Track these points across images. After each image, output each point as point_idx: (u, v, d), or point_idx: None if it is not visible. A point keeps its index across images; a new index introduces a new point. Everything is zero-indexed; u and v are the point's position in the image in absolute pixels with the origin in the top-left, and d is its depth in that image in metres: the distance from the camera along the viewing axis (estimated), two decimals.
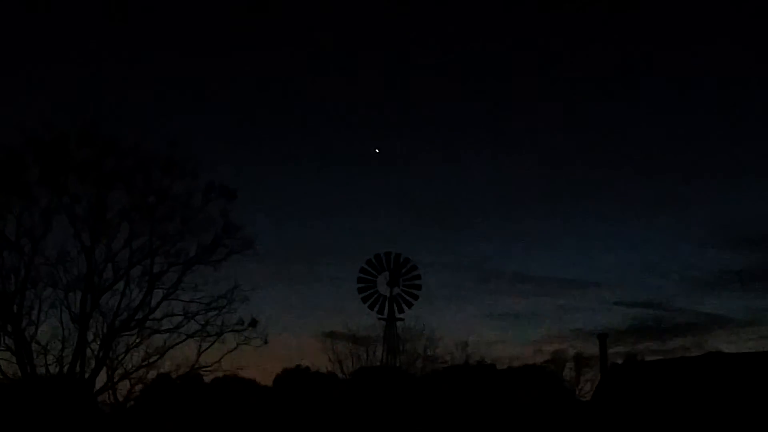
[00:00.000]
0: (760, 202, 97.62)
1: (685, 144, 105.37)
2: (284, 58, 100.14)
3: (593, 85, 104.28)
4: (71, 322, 33.46)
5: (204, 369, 36.35)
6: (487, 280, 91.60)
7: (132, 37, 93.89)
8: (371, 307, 66.75)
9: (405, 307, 67.02)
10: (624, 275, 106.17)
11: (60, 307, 33.51)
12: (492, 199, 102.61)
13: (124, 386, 35.01)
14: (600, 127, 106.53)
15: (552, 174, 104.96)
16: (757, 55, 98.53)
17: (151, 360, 34.75)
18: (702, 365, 41.33)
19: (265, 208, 78.27)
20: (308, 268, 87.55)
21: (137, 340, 34.61)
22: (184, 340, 35.17)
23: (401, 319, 65.54)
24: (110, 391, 34.94)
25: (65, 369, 33.24)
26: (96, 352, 33.80)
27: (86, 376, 33.71)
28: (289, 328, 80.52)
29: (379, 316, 66.22)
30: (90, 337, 33.66)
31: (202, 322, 35.14)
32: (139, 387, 35.76)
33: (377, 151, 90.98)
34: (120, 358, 34.41)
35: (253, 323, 35.82)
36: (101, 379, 34.33)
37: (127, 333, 34.50)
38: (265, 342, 36.12)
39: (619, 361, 62.66)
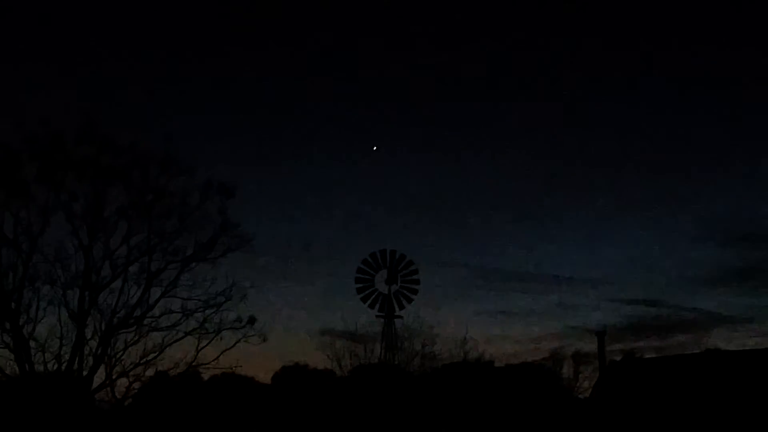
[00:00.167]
0: (759, 200, 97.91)
1: (685, 144, 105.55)
2: (284, 58, 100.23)
3: (593, 85, 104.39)
4: (69, 319, 33.38)
5: (202, 366, 36.29)
6: (485, 277, 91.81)
7: (130, 37, 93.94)
8: (369, 305, 66.90)
9: (404, 304, 67.13)
10: (622, 273, 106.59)
11: (58, 305, 33.45)
12: (491, 197, 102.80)
13: (122, 384, 34.96)
14: (600, 127, 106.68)
15: (551, 173, 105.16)
16: (757, 55, 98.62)
17: (149, 357, 34.66)
18: (700, 362, 41.46)
19: (264, 206, 78.48)
20: (306, 266, 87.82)
21: (135, 338, 34.51)
22: (182, 338, 35.14)
23: (399, 317, 65.71)
24: (108, 389, 34.84)
25: (63, 366, 33.15)
26: (94, 350, 33.73)
27: (84, 373, 33.63)
28: (287, 326, 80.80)
29: (377, 313, 66.40)
30: (88, 334, 33.59)
31: (201, 320, 35.16)
32: (137, 384, 35.63)
33: (375, 149, 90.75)
34: (118, 356, 34.32)
35: (251, 321, 35.79)
36: (99, 377, 34.27)
37: (125, 330, 34.39)
38: (264, 339, 36.16)
39: (618, 359, 62.89)
